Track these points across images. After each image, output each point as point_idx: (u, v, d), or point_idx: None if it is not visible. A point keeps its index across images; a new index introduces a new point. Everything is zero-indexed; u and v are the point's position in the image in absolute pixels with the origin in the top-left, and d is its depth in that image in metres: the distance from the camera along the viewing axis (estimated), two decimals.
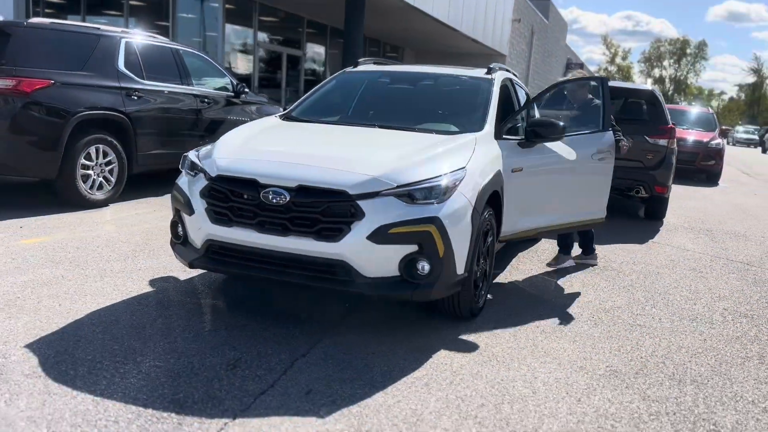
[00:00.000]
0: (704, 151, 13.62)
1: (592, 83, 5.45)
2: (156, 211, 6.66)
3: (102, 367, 3.06)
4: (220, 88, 8.58)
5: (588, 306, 4.52)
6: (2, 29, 6.15)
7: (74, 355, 3.17)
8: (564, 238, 5.48)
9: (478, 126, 4.34)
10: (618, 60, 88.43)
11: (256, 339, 3.49)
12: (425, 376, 3.19)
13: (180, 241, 3.86)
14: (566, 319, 4.21)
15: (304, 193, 3.37)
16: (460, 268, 3.57)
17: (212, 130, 8.24)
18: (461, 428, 2.71)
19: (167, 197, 7.26)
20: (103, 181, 6.73)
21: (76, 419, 2.58)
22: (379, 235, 3.28)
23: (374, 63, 5.60)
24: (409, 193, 3.38)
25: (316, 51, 19.55)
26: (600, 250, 6.06)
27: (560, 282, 5.11)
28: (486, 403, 2.94)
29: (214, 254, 3.63)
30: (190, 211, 3.66)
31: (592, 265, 5.56)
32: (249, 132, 4.22)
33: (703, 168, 13.76)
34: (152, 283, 4.36)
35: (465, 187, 3.58)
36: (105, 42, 6.91)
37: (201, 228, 3.59)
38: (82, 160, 6.45)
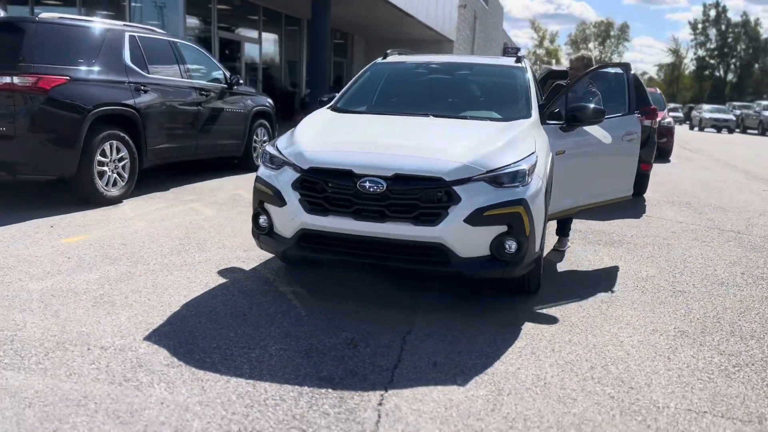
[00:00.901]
0: (657, 130, 14.38)
1: (611, 70, 5.81)
2: (173, 205, 6.68)
3: (233, 353, 3.20)
4: (213, 80, 8.57)
5: (628, 277, 4.91)
6: (15, 25, 6.02)
7: (198, 344, 3.30)
8: (564, 222, 5.70)
9: (525, 113, 4.64)
10: (546, 43, 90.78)
11: (356, 320, 3.69)
12: (527, 345, 3.48)
13: (265, 231, 4.00)
14: (617, 289, 4.58)
15: (401, 181, 3.58)
16: (537, 246, 3.87)
17: (212, 123, 8.26)
18: (585, 387, 3.01)
19: (174, 191, 7.34)
20: (117, 177, 6.69)
21: (245, 400, 2.74)
22: (475, 218, 3.53)
23: (398, 54, 5.81)
24: (496, 178, 3.64)
25: (271, 39, 19.42)
26: (605, 225, 6.54)
27: (588, 257, 5.48)
28: (594, 366, 3.25)
29: (307, 242, 3.80)
30: (281, 203, 3.81)
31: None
32: (321, 125, 4.38)
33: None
34: (221, 274, 4.47)
35: (539, 171, 3.88)
36: (111, 36, 6.84)
37: (294, 218, 3.75)
38: (98, 157, 6.39)
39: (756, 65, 76.58)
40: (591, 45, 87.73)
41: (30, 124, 5.85)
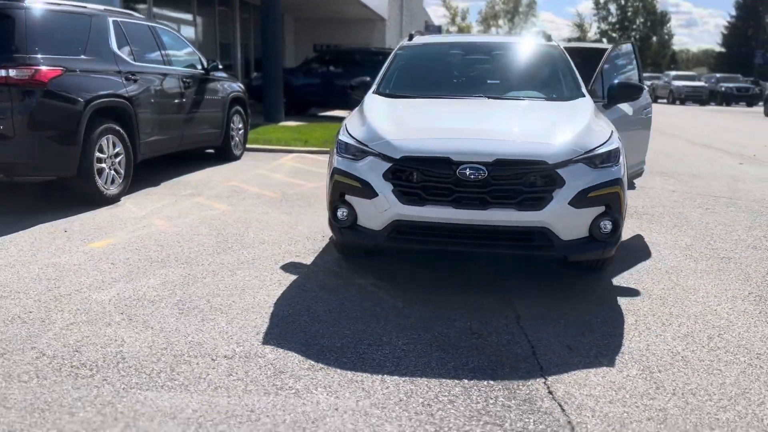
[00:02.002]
0: None
1: (622, 47, 5.97)
2: (177, 201, 6.35)
3: (365, 351, 3.10)
4: (190, 65, 8.16)
5: (669, 246, 5.08)
6: (3, 12, 5.47)
7: (322, 344, 3.17)
8: None
9: (578, 92, 4.70)
10: (458, 20, 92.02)
11: (458, 309, 3.65)
12: (637, 322, 3.55)
13: (346, 225, 3.86)
14: (670, 260, 4.73)
15: (502, 166, 3.54)
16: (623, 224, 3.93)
17: (195, 111, 7.89)
18: (720, 357, 3.11)
19: (165, 186, 6.99)
20: (115, 174, 6.28)
21: (417, 399, 2.66)
22: (579, 200, 3.55)
23: (418, 34, 5.74)
24: (593, 159, 3.66)
25: (204, 20, 18.65)
26: None
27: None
28: (711, 336, 3.37)
29: (401, 234, 3.70)
30: (371, 195, 3.68)
31: None
32: (387, 111, 4.25)
33: None
34: (286, 270, 4.31)
35: (621, 149, 3.93)
36: (96, 22, 6.38)
37: (387, 210, 3.64)
38: (97, 153, 5.97)
39: (654, 38, 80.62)
40: (501, 21, 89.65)
41: (29, 121, 5.38)
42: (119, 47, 6.56)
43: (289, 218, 5.73)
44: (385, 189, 3.65)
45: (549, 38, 5.42)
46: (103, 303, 3.65)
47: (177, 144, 7.65)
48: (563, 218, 3.54)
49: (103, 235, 5.02)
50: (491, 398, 2.67)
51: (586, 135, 3.78)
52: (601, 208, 3.63)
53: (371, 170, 3.71)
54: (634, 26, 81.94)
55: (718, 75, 39.57)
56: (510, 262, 4.48)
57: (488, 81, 4.99)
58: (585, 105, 4.39)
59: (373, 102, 4.51)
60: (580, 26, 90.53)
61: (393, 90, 4.85)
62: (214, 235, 5.11)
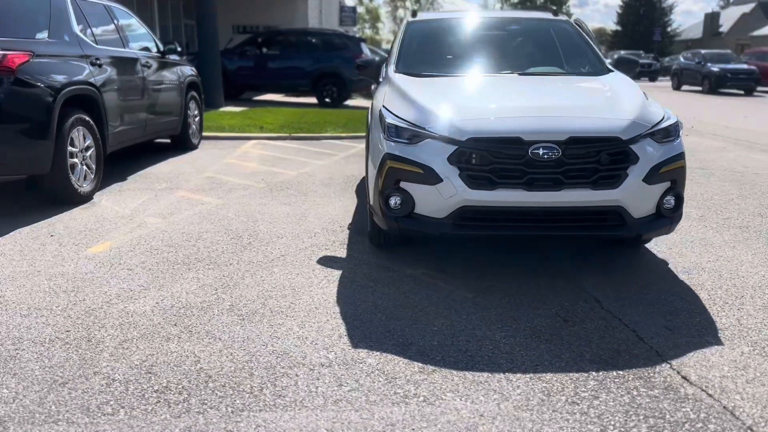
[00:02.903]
0: None
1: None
2: (157, 197, 5.85)
3: (465, 347, 2.91)
4: (144, 48, 7.55)
5: (684, 218, 5.13)
6: None
7: (417, 343, 2.95)
8: None
9: (604, 66, 4.64)
10: (365, 2, 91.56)
11: (529, 295, 3.51)
12: (712, 295, 3.53)
13: (404, 214, 3.62)
14: (695, 232, 4.78)
15: (576, 144, 3.40)
16: None
17: (156, 98, 7.32)
18: None
19: (133, 180, 6.49)
20: (87, 169, 5.71)
21: (559, 397, 2.50)
22: (651, 176, 3.47)
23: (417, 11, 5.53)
24: (658, 133, 3.58)
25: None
26: None
27: None
28: None
29: (468, 220, 3.50)
30: (435, 180, 3.45)
31: None
32: (436, 91, 4.00)
33: None
34: (326, 265, 4.04)
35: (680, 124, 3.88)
36: (55, 1, 5.73)
37: (454, 196, 3.43)
38: (69, 147, 5.40)
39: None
40: (408, 3, 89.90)
41: None
42: (81, 28, 5.93)
43: (292, 210, 5.39)
44: (450, 173, 3.42)
45: (555, 13, 5.32)
46: (147, 314, 3.24)
47: (141, 134, 7.08)
48: (637, 196, 3.45)
49: (98, 238, 4.52)
50: (632, 389, 2.54)
51: (646, 109, 3.70)
52: (668, 184, 3.57)
53: (433, 154, 3.48)
54: (537, 4, 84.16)
55: (622, 52, 41.46)
56: (553, 243, 4.37)
57: (511, 57, 4.83)
58: (625, 79, 4.33)
59: (405, 81, 4.25)
60: (484, 8, 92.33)
61: (417, 69, 4.59)
62: (223, 232, 4.72)
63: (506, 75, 4.42)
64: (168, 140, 8.41)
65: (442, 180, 3.42)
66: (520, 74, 4.43)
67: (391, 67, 4.67)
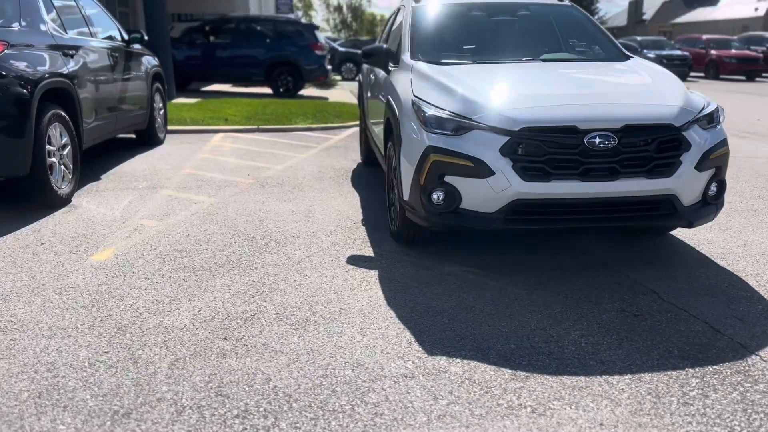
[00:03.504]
0: None
1: None
2: (143, 197, 5.47)
3: (544, 350, 2.78)
4: (108, 37, 7.06)
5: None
6: None
7: (494, 347, 2.80)
8: None
9: (620, 52, 4.58)
10: None
11: (585, 290, 3.42)
12: (760, 281, 3.52)
13: (449, 209, 3.45)
14: (730, 208, 4.80)
15: (631, 132, 3.30)
16: None
17: (124, 91, 6.87)
18: None
19: (108, 180, 6.09)
20: (65, 169, 5.27)
21: (669, 398, 2.39)
22: (702, 163, 3.41)
23: None
24: (703, 119, 3.53)
25: None
26: None
27: None
28: None
29: (520, 214, 3.36)
30: (486, 173, 3.30)
31: None
32: (473, 79, 3.82)
33: None
34: (357, 265, 3.83)
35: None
36: None
37: (506, 189, 3.28)
38: (47, 146, 4.96)
39: None
40: None
41: None
42: (50, 17, 5.45)
43: (295, 206, 5.13)
44: (503, 166, 3.27)
45: None
46: (189, 329, 2.96)
47: (112, 129, 6.62)
48: (688, 183, 3.39)
49: (95, 245, 4.15)
50: (737, 385, 2.47)
51: (689, 95, 3.64)
52: (713, 171, 3.53)
53: (483, 146, 3.31)
54: None
55: None
56: (581, 234, 4.29)
57: (525, 43, 4.70)
58: (653, 65, 4.28)
59: (433, 70, 4.04)
60: None
61: (435, 56, 4.39)
62: (232, 233, 4.42)
63: (531, 62, 4.28)
64: (132, 135, 7.92)
65: (494, 173, 3.26)
66: (543, 61, 4.30)
67: (406, 55, 4.46)
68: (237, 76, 14.73)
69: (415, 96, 3.71)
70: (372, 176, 6.30)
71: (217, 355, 2.71)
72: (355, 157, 7.33)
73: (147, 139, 7.90)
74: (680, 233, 4.33)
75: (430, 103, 3.56)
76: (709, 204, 3.55)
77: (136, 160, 7.03)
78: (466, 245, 4.12)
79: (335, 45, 25.40)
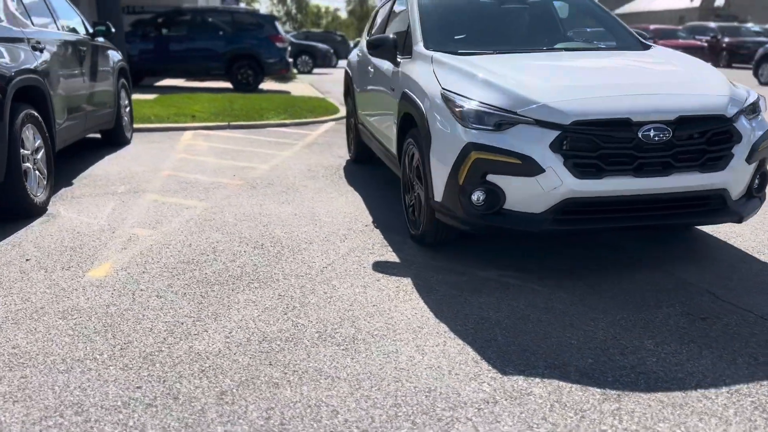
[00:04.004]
0: None
1: None
2: (125, 203, 5.06)
3: (625, 363, 2.58)
4: (72, 29, 6.55)
5: None
6: None
7: (571, 363, 2.59)
8: None
9: (638, 40, 4.43)
10: None
11: (639, 294, 3.25)
12: None
13: (492, 210, 3.22)
14: None
15: (685, 124, 3.13)
16: None
17: (93, 87, 6.38)
18: None
19: (80, 185, 5.62)
20: (39, 174, 4.82)
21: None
22: (751, 155, 3.28)
23: None
24: (747, 110, 3.40)
25: None
26: None
27: None
28: None
29: (570, 214, 3.15)
30: (535, 171, 3.07)
31: None
32: (508, 70, 3.57)
33: None
34: (387, 272, 3.56)
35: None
36: None
37: (558, 187, 3.07)
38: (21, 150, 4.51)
39: None
40: None
41: None
42: (15, 8, 4.96)
43: (296, 209, 4.81)
44: (554, 163, 3.05)
45: None
46: (226, 354, 2.64)
47: (83, 129, 6.14)
48: (738, 176, 3.25)
49: (88, 259, 3.76)
50: None
51: (731, 85, 3.49)
52: (757, 162, 3.39)
53: (531, 141, 3.09)
54: None
55: None
56: (612, 233, 4.12)
57: (540, 31, 4.50)
58: (682, 54, 4.13)
59: (458, 61, 3.79)
60: None
61: (450, 46, 4.14)
62: (237, 241, 4.09)
63: (555, 52, 4.09)
64: (98, 135, 7.41)
65: (543, 170, 3.04)
66: (565, 50, 4.10)
67: (419, 45, 4.19)
68: (195, 71, 14.14)
69: (444, 89, 3.45)
70: (367, 174, 6.01)
71: (268, 385, 2.40)
72: (341, 154, 7.02)
73: (114, 139, 7.40)
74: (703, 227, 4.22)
75: (464, 96, 3.31)
76: (754, 197, 3.42)
77: (107, 162, 6.55)
78: (490, 246, 3.91)
79: (289, 37, 24.83)
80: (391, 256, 3.79)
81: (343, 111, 10.27)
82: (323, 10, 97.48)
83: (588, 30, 4.63)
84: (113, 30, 6.94)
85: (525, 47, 4.16)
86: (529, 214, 3.15)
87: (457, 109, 3.28)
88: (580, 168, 3.06)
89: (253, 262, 3.71)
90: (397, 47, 4.39)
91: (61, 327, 2.89)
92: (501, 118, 3.15)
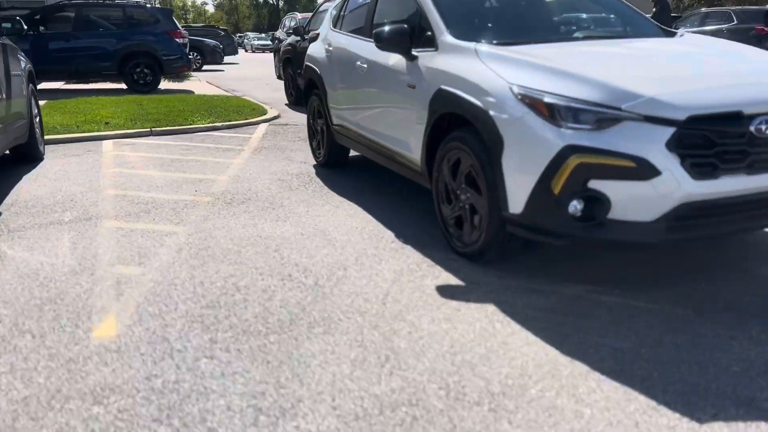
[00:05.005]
0: None
1: None
2: (81, 233, 4.23)
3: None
4: None
5: None
6: None
7: (759, 398, 2.25)
8: None
9: (659, 27, 4.23)
10: None
11: (753, 299, 3.00)
12: None
13: (596, 221, 2.84)
14: None
15: None
16: None
17: (9, 96, 5.37)
18: None
19: (12, 212, 4.54)
20: None
21: None
22: None
23: None
24: None
25: None
26: None
27: None
28: None
29: (684, 219, 2.83)
30: (650, 174, 2.72)
31: None
32: (581, 61, 3.19)
33: None
34: (457, 297, 3.09)
35: None
36: None
37: (675, 190, 2.73)
38: None
39: None
40: None
41: None
42: None
43: (299, 228, 4.23)
44: (671, 164, 2.71)
45: None
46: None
47: (4, 146, 5.10)
48: None
49: (83, 316, 3.01)
50: None
51: None
52: None
53: (643, 141, 2.73)
54: None
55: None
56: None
57: (562, 21, 4.17)
58: (716, 39, 3.93)
59: (510, 51, 3.36)
60: None
61: (484, 36, 3.70)
62: (256, 273, 3.47)
63: (581, 42, 3.80)
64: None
65: (660, 173, 2.69)
66: (589, 39, 3.83)
67: (445, 36, 3.71)
68: (82, 72, 12.67)
69: (519, 85, 3.00)
70: (349, 180, 5.46)
71: None
72: (302, 159, 6.38)
73: (28, 154, 6.30)
74: None
75: (549, 92, 2.88)
76: None
77: (29, 184, 5.53)
78: (538, 257, 3.55)
79: None
80: (449, 278, 3.31)
81: (272, 111, 9.57)
82: (189, 4, 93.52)
83: (611, 16, 4.34)
84: (25, 27, 5.84)
85: (554, 36, 3.82)
86: (640, 224, 2.78)
87: (543, 108, 2.84)
88: (697, 168, 2.72)
89: (294, 299, 3.10)
90: (412, 38, 3.88)
91: (103, 417, 2.17)
92: (602, 115, 2.76)
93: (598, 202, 2.79)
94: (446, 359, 2.51)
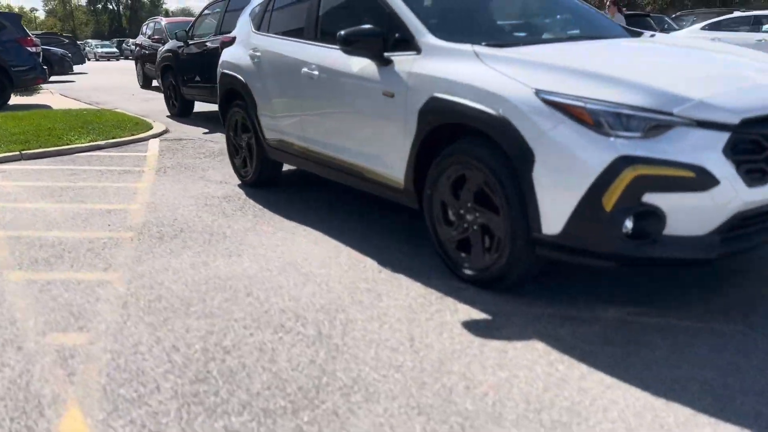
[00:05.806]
0: None
1: None
2: (83, 268, 3.38)
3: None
4: None
5: None
6: None
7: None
8: None
9: (620, 28, 4.14)
10: None
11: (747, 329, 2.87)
12: None
13: (651, 239, 2.57)
14: None
15: None
16: None
17: None
18: None
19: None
20: None
21: None
22: None
23: None
24: None
25: None
26: None
27: None
28: None
29: (736, 230, 2.64)
30: (708, 184, 2.49)
31: None
32: (601, 60, 2.91)
33: None
34: (492, 336, 2.71)
35: None
36: None
37: (732, 200, 2.52)
38: None
39: None
40: None
41: None
42: None
43: (261, 263, 3.65)
44: (728, 171, 2.49)
45: None
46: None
47: None
48: None
49: (32, 409, 2.28)
50: None
51: None
52: None
53: (699, 148, 2.49)
54: None
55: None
56: None
57: (548, 20, 3.94)
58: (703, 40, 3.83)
59: (516, 53, 3.01)
60: None
61: (476, 38, 3.33)
62: (240, 327, 2.87)
63: (581, 41, 3.55)
64: None
65: (719, 182, 2.46)
66: (586, 39, 3.59)
67: (428, 37, 3.30)
68: None
69: (541, 88, 2.66)
70: (290, 200, 4.89)
71: None
72: (219, 178, 5.69)
73: None
74: None
75: (588, 98, 2.57)
76: None
77: None
78: (554, 279, 3.26)
79: None
80: (470, 311, 2.92)
81: (158, 125, 8.64)
82: (16, 10, 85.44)
83: (571, 17, 4.13)
84: None
85: (546, 36, 3.56)
86: (694, 238, 2.53)
87: (585, 115, 2.51)
88: (749, 175, 2.53)
89: (304, 356, 2.55)
90: (380, 41, 3.43)
91: None
92: (653, 122, 2.49)
93: (653, 218, 2.51)
94: (532, 421, 2.10)
